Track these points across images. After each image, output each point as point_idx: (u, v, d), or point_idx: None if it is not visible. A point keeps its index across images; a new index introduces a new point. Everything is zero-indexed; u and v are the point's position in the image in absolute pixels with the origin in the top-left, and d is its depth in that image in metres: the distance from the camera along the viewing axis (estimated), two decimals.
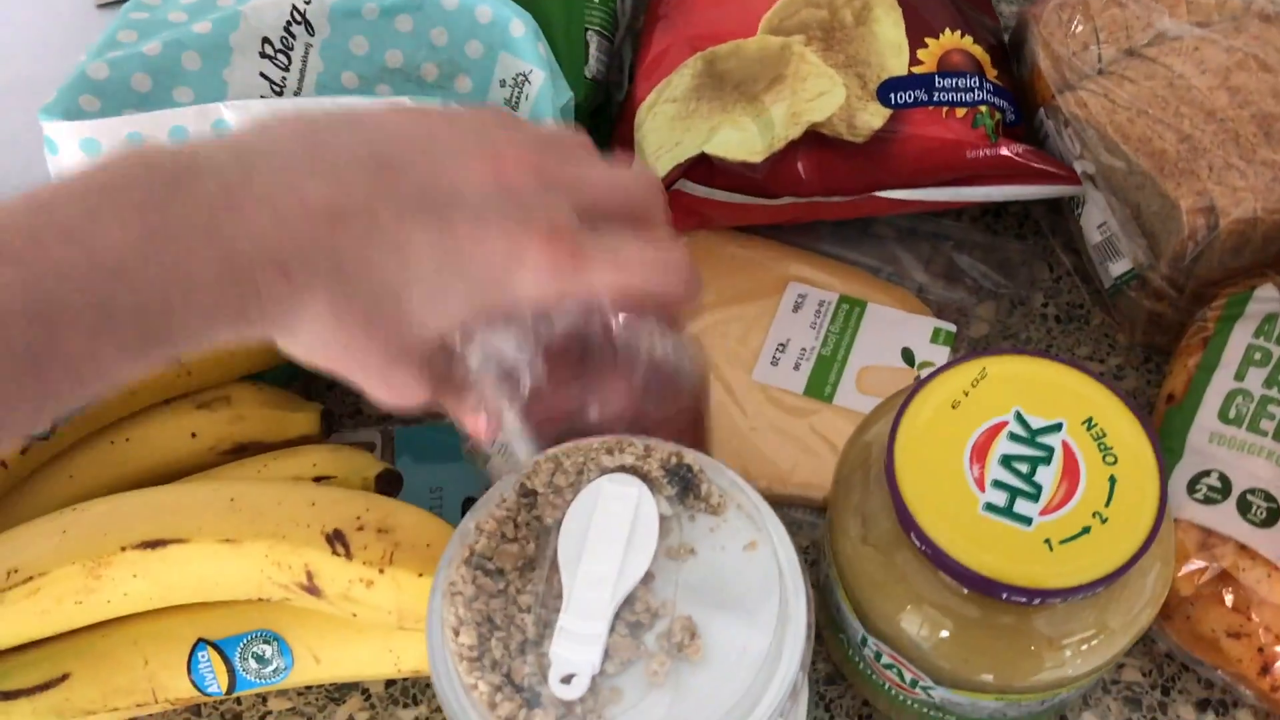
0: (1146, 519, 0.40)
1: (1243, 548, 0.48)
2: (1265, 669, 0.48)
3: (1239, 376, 0.51)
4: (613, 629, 0.37)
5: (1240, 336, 0.52)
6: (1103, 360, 0.62)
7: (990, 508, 0.41)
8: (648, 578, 0.38)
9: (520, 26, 0.59)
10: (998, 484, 0.41)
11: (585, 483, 0.39)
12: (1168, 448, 0.51)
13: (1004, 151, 0.57)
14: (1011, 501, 0.41)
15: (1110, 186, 0.56)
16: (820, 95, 0.59)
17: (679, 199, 0.62)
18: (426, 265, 0.37)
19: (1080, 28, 0.58)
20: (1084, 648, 0.42)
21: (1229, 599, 0.48)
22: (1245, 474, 0.49)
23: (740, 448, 0.58)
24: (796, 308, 0.62)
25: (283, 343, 0.38)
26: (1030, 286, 0.64)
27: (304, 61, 0.57)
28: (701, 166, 0.61)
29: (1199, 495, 0.49)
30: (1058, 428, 0.42)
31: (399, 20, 0.59)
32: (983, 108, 0.58)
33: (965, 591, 0.41)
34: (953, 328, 0.61)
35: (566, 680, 0.36)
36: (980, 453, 0.42)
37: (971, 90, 0.58)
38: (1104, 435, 0.42)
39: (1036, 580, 0.39)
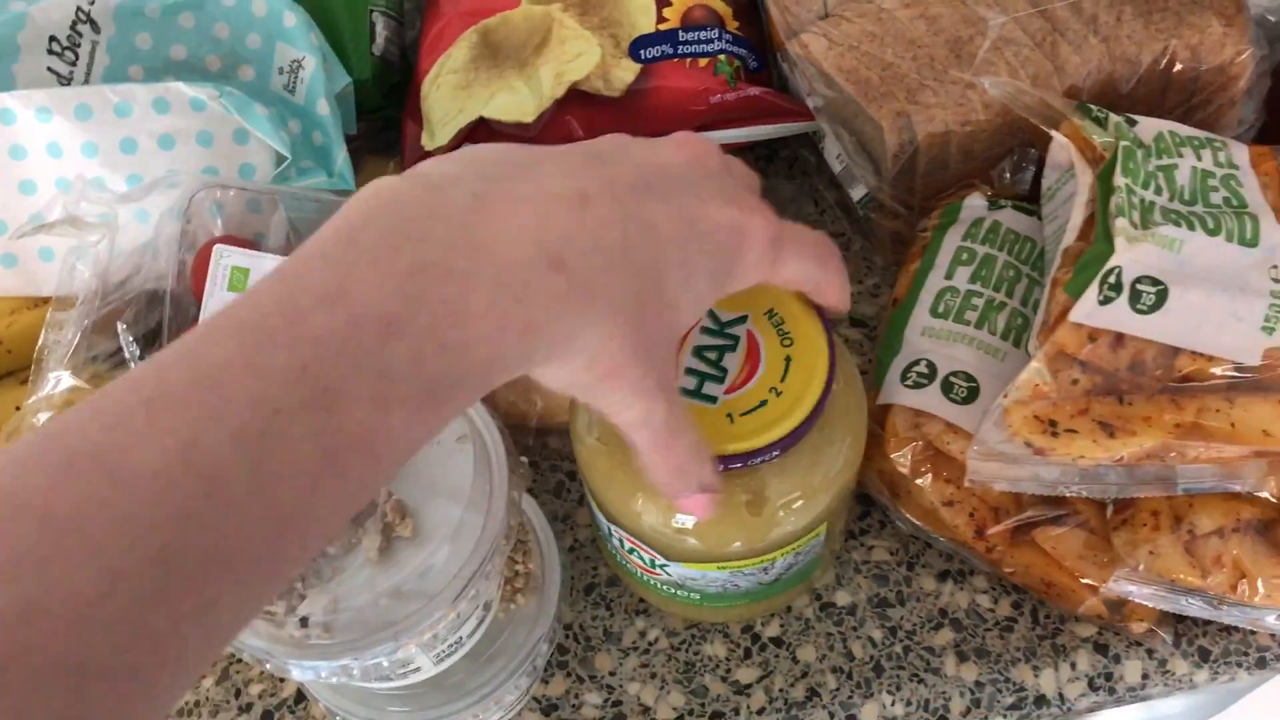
0: (816, 390, 0.45)
1: (949, 425, 0.53)
2: (979, 532, 0.53)
3: (949, 275, 0.57)
4: None
5: (951, 240, 0.58)
6: (861, 281, 0.67)
7: (683, 392, 0.46)
8: None
9: (292, 18, 0.64)
10: (690, 371, 0.46)
11: None
12: (889, 345, 0.57)
13: (743, 94, 0.63)
14: (700, 385, 0.46)
15: (834, 117, 0.61)
16: (578, 56, 0.64)
17: None
18: (673, 243, 0.36)
19: None
20: (794, 506, 0.47)
21: (940, 472, 0.54)
22: (949, 360, 0.54)
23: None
24: None
25: (548, 370, 0.35)
26: (797, 221, 0.70)
27: (91, 57, 0.62)
28: (482, 130, 0.66)
29: (909, 382, 0.54)
30: (743, 319, 0.47)
31: (182, 17, 0.63)
32: (721, 56, 0.63)
33: None
34: None
35: None
36: (678, 348, 0.47)
37: (711, 41, 0.64)
38: (783, 323, 0.47)
39: (718, 448, 0.44)
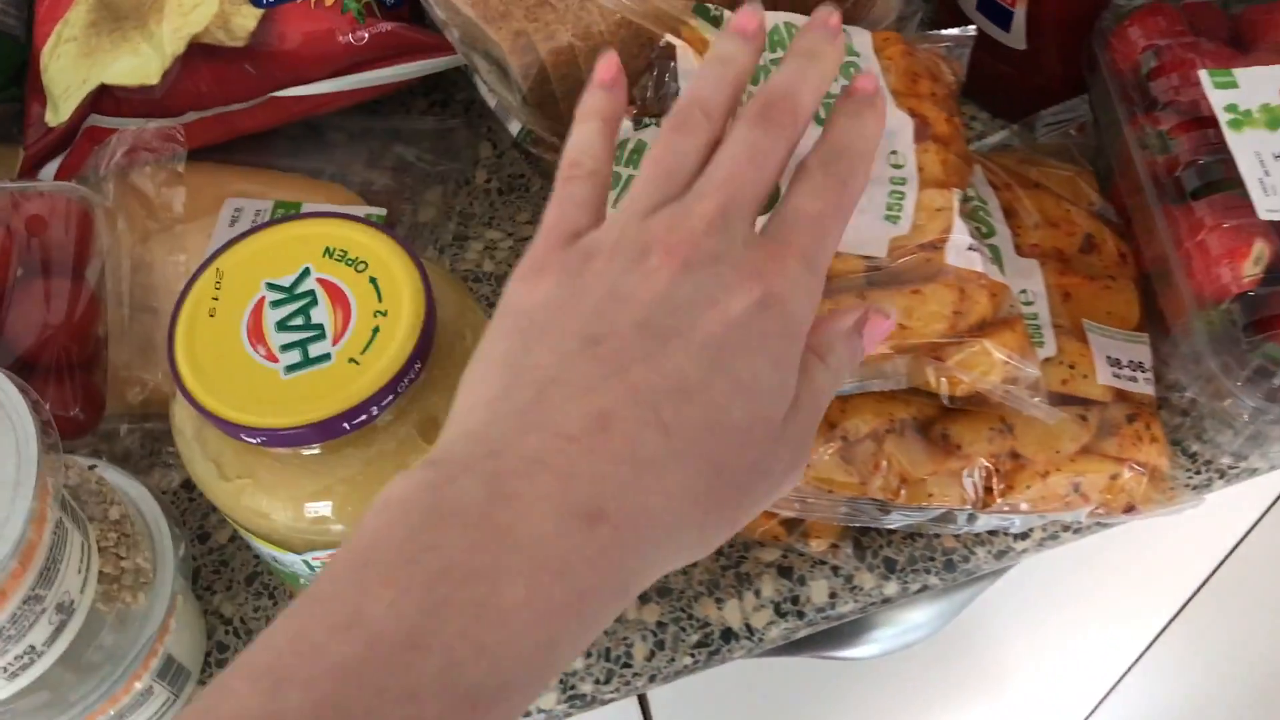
0: (417, 289, 0.42)
1: None
2: None
3: None
4: None
5: None
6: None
7: (293, 368, 0.41)
8: None
9: None
10: (287, 346, 0.42)
11: None
12: None
13: (375, 31, 0.59)
14: (306, 353, 0.41)
15: (472, 48, 0.57)
16: (196, 7, 0.59)
17: (94, 134, 0.62)
18: (715, 380, 0.31)
19: None
20: None
21: None
22: None
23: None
24: (234, 221, 0.62)
25: (671, 566, 0.32)
26: (474, 166, 0.66)
27: None
28: (107, 99, 0.61)
29: None
30: (306, 272, 0.43)
31: None
32: None
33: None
34: (382, 211, 0.62)
35: None
36: (256, 333, 0.42)
37: None
38: (347, 252, 0.43)
39: (358, 394, 0.40)
